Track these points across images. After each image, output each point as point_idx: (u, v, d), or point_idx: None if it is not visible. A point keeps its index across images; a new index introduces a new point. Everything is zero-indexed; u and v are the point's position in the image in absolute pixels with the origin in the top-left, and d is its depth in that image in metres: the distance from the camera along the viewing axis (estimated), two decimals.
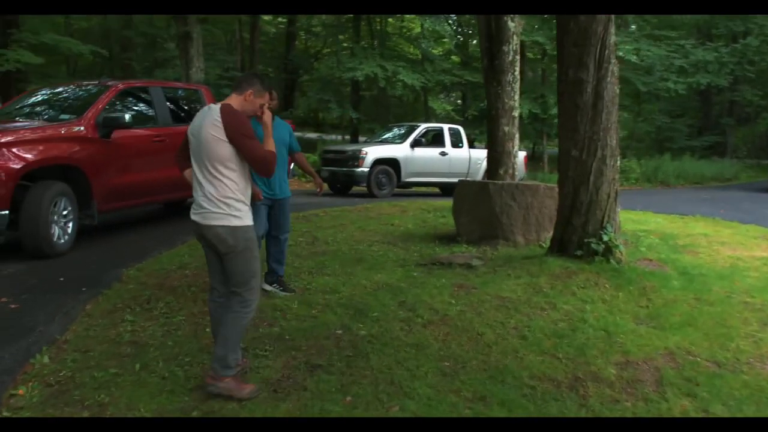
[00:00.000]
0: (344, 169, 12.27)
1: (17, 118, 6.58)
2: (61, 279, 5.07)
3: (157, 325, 4.13)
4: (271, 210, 4.75)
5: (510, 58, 8.26)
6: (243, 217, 3.08)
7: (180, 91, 8.25)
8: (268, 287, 4.83)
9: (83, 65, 23.43)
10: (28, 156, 5.56)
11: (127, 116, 6.43)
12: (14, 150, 5.46)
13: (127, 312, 4.34)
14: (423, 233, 7.70)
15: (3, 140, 5.40)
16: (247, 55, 24.42)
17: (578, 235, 5.37)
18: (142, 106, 7.37)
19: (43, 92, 7.29)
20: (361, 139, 20.91)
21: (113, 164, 6.37)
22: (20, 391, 3.16)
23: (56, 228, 5.88)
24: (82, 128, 6.16)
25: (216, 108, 3.03)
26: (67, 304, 4.41)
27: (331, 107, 19.80)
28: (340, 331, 4.04)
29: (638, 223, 8.31)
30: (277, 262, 4.93)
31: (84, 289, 4.80)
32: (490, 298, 4.67)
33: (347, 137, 23.52)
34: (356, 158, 12.11)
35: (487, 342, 3.95)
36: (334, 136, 28.44)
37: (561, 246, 5.52)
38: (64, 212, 5.99)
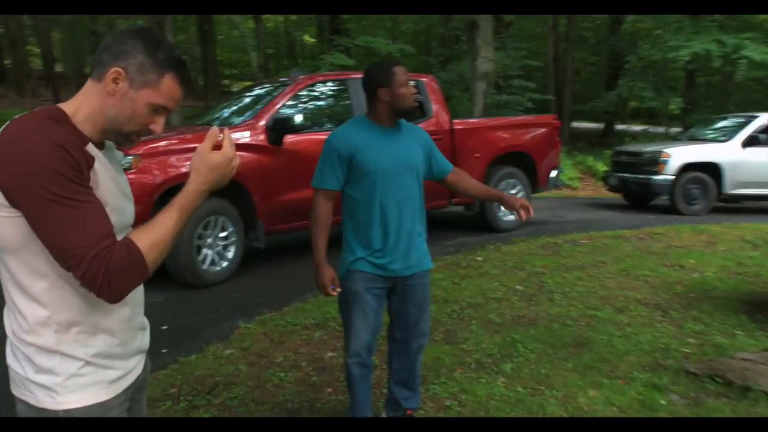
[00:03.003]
0: (639, 176, 9.29)
1: (211, 124, 5.89)
2: (164, 328, 4.02)
3: None
4: (391, 297, 2.56)
5: None
6: (61, 389, 1.24)
7: None
8: None
9: (413, 64, 23.63)
10: (171, 168, 4.68)
11: (297, 117, 5.18)
12: (155, 161, 4.63)
13: (164, 407, 2.96)
14: (729, 290, 4.78)
15: (143, 150, 4.61)
16: (563, 44, 21.91)
17: None
18: (335, 104, 6.09)
19: (249, 92, 6.55)
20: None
21: (283, 176, 5.18)
22: None
23: (209, 252, 4.94)
24: (247, 133, 5.11)
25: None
26: None
27: (645, 95, 16.19)
28: None
29: None
30: (403, 386, 2.66)
31: (164, 351, 3.62)
32: None
33: (677, 130, 19.29)
34: (655, 162, 9.04)
35: None
36: (660, 129, 24.07)
37: None
38: (222, 234, 5.03)
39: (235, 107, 6.09)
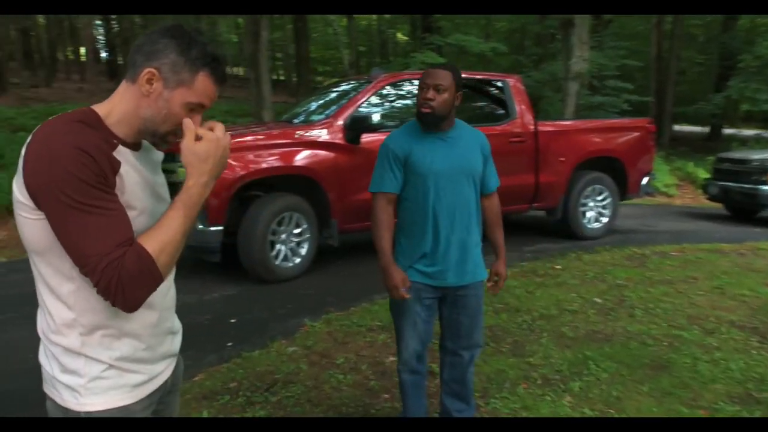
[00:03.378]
0: (744, 185, 8.59)
1: (291, 120, 5.97)
2: (233, 321, 4.10)
3: None
4: (442, 306, 2.46)
5: None
6: (84, 391, 1.24)
7: (473, 84, 6.41)
8: None
9: (506, 63, 22.89)
10: (247, 164, 4.75)
11: (374, 116, 5.15)
12: (234, 156, 4.72)
13: (222, 401, 3.00)
14: None
15: None
16: (667, 42, 20.65)
17: None
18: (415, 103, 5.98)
19: (332, 89, 6.57)
20: None
21: (359, 175, 5.15)
22: None
23: (282, 248, 5.01)
24: (324, 131, 5.13)
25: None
26: None
27: (760, 97, 14.98)
28: None
29: None
30: (456, 398, 2.54)
31: (229, 344, 3.69)
32: None
33: None
34: (764, 171, 8.33)
35: None
36: None
37: None
38: (296, 230, 5.08)
39: (319, 102, 6.15)
